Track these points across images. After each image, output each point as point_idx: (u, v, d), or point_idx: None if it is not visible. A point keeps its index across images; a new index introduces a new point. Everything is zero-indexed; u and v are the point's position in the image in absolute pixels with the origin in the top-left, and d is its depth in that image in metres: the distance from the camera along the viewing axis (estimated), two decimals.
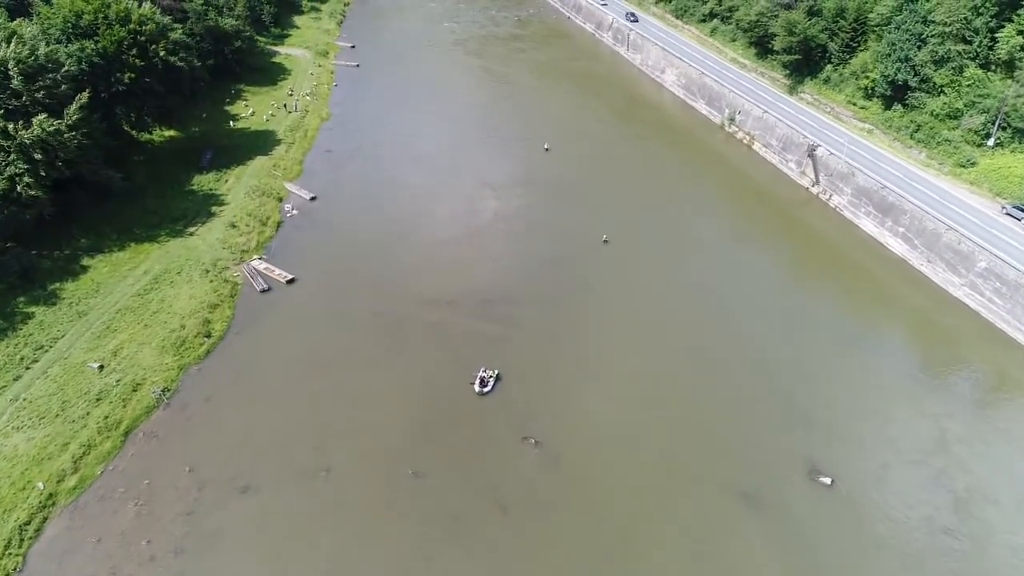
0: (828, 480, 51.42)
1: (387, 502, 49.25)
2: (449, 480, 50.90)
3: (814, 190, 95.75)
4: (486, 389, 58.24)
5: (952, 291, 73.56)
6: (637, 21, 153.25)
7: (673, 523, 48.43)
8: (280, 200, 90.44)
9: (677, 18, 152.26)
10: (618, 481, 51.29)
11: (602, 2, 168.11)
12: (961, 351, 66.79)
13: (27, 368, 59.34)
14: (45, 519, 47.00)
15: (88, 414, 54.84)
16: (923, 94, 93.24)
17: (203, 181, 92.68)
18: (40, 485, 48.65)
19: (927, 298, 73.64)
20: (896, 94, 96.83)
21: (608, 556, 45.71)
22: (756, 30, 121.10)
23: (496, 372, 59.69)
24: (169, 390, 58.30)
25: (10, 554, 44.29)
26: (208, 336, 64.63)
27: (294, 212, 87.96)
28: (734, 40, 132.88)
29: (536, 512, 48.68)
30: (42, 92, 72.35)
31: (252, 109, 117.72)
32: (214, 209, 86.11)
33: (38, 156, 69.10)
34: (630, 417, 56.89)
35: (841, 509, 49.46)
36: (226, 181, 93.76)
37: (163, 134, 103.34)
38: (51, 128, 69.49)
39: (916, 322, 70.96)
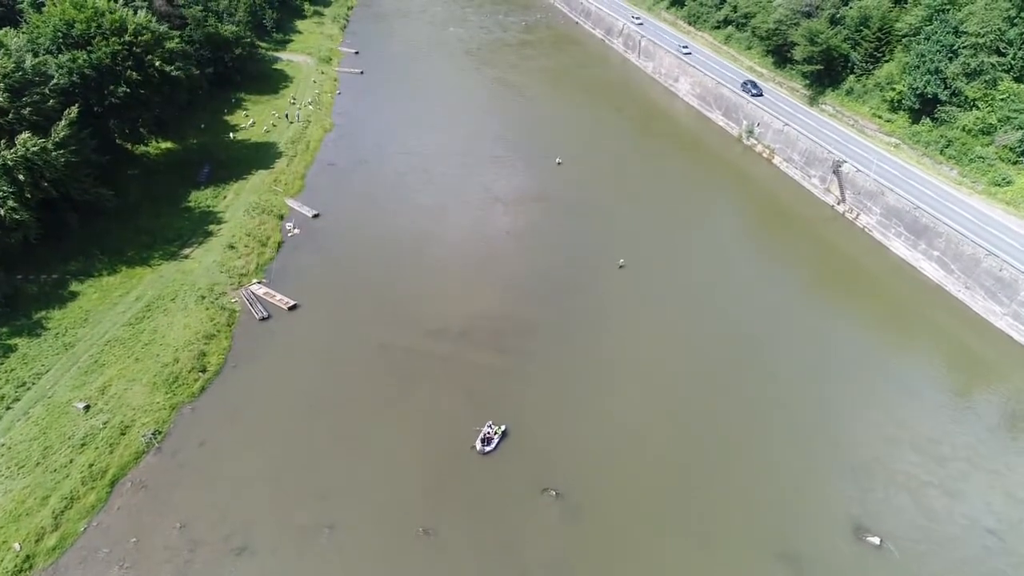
0: (877, 540, 47.14)
1: (396, 564, 45.02)
2: (463, 538, 46.68)
3: (839, 208, 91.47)
4: (488, 448, 52.86)
5: (994, 321, 69.24)
6: (642, 22, 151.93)
7: None
8: (281, 218, 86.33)
9: (690, 24, 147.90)
10: (647, 537, 47.04)
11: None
12: (1012, 385, 62.18)
13: (7, 408, 55.23)
14: None
15: (71, 461, 50.70)
16: (954, 108, 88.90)
17: (200, 198, 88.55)
18: (16, 546, 44.52)
19: (968, 328, 69.28)
20: (925, 107, 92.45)
21: None
22: (774, 38, 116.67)
23: (503, 428, 54.49)
24: (160, 432, 54.17)
25: None
26: (203, 371, 60.47)
27: (296, 231, 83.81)
28: (750, 48, 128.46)
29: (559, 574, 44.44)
30: (28, 108, 68.25)
31: (252, 119, 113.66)
32: (211, 228, 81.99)
33: (22, 177, 65.00)
34: (656, 464, 52.65)
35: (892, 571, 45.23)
36: (224, 197, 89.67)
37: (159, 146, 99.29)
38: (36, 147, 65.35)
39: (958, 355, 66.40)
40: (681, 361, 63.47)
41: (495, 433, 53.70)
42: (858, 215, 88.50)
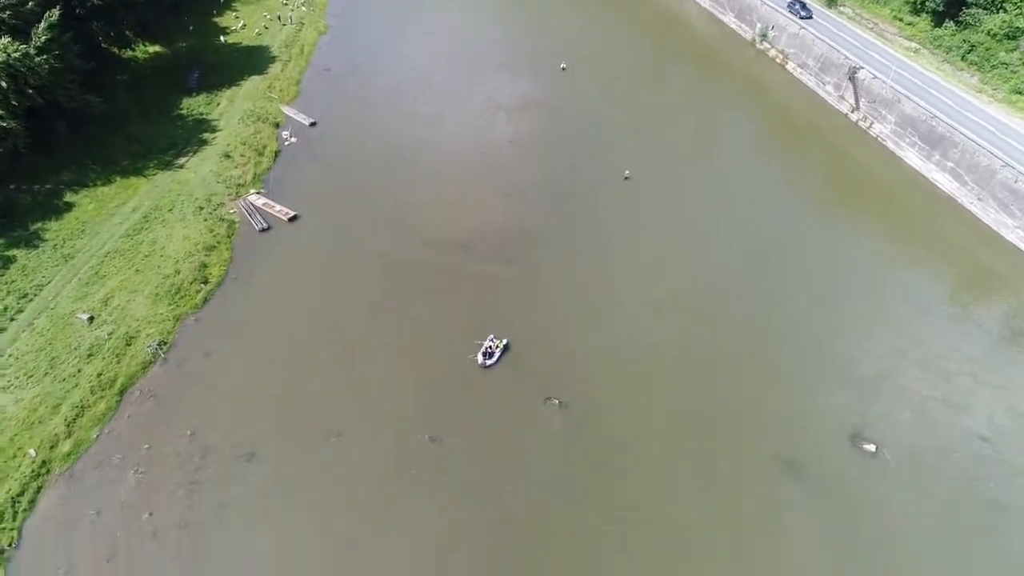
0: (872, 447, 48.15)
1: (403, 471, 46.11)
2: (468, 446, 47.62)
3: (853, 116, 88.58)
4: (490, 361, 52.78)
5: (1005, 234, 68.26)
6: None
7: (709, 488, 45.41)
8: (277, 126, 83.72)
9: None
10: (650, 444, 47.92)
11: None
12: (1021, 300, 61.95)
13: (11, 320, 55.21)
14: (39, 489, 43.95)
15: (80, 371, 51.09)
16: (980, 10, 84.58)
17: (192, 104, 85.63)
18: (32, 452, 45.46)
19: (978, 241, 68.32)
20: (949, 9, 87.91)
21: (641, 527, 42.95)
22: None
23: (505, 342, 54.24)
24: (165, 343, 54.34)
25: (4, 528, 41.48)
26: (205, 282, 60.11)
27: (292, 140, 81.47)
28: None
29: (563, 483, 45.52)
30: (8, 12, 64.76)
31: (243, 21, 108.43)
32: (205, 137, 79.65)
33: (5, 84, 62.42)
34: (660, 375, 53.08)
35: (887, 479, 46.38)
36: (217, 104, 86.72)
37: (147, 50, 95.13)
38: (18, 53, 62.44)
39: (967, 270, 65.60)
40: (687, 274, 63.03)
41: (497, 347, 53.77)
42: (872, 124, 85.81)
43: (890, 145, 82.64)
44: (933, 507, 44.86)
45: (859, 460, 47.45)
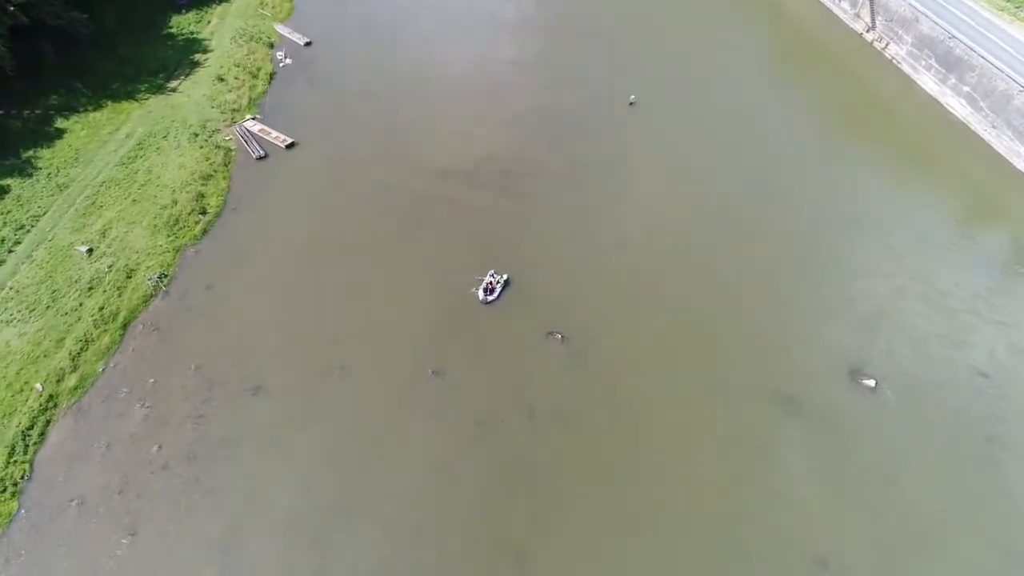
0: (872, 383, 48.08)
1: (407, 403, 46.40)
2: (472, 379, 47.69)
3: (868, 36, 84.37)
4: (491, 297, 52.06)
5: (1017, 163, 66.02)
6: None
7: (708, 426, 45.66)
8: (271, 46, 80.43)
9: None
10: (649, 379, 47.97)
11: None
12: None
13: (9, 252, 54.56)
14: (48, 423, 44.47)
15: (81, 305, 50.83)
16: None
17: (182, 23, 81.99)
18: (39, 386, 45.75)
19: (990, 170, 66.25)
20: None
21: (641, 461, 43.47)
22: None
23: (505, 277, 53.35)
24: (166, 276, 53.86)
25: (16, 462, 42.15)
26: (203, 213, 59.04)
27: (287, 61, 78.34)
28: None
29: (564, 417, 45.80)
30: None
31: None
32: (197, 58, 76.59)
33: None
34: (662, 309, 52.59)
35: (886, 413, 46.55)
36: (208, 22, 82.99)
37: None
38: None
39: (977, 200, 63.91)
40: (692, 205, 61.60)
41: (497, 283, 52.98)
42: (887, 44, 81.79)
43: (905, 68, 79.00)
44: (932, 442, 45.14)
45: (859, 395, 47.50)
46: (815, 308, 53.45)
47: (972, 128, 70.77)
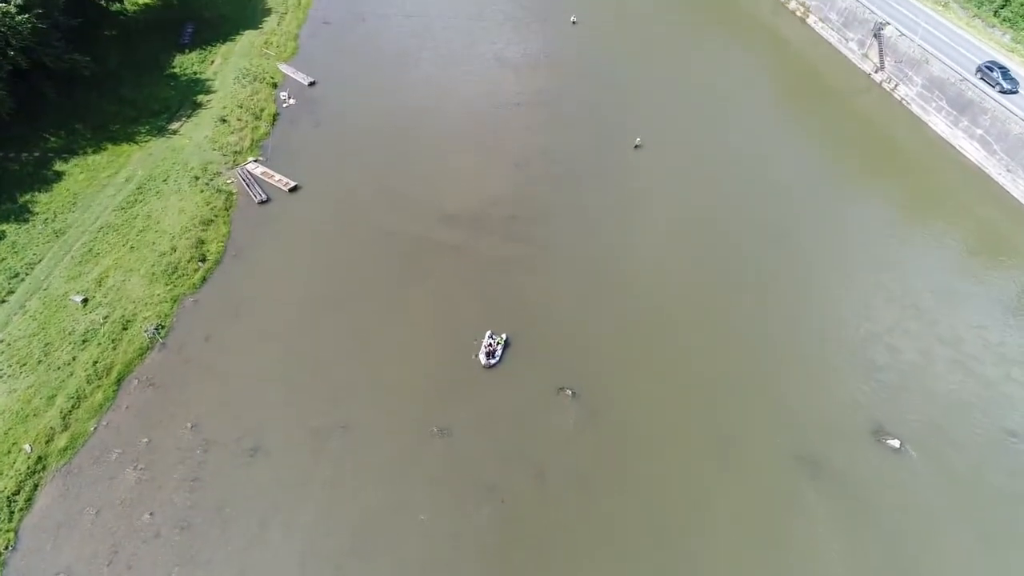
0: (896, 443, 46.08)
1: (412, 464, 44.31)
2: (478, 439, 45.69)
3: (877, 77, 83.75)
4: (493, 361, 49.87)
5: None
6: None
7: (726, 488, 43.57)
8: (275, 86, 79.61)
9: None
10: (664, 440, 45.99)
11: None
12: None
13: (2, 301, 52.89)
14: (36, 487, 42.35)
15: (75, 359, 49.02)
16: None
17: (185, 62, 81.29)
18: (27, 447, 43.73)
19: (1007, 217, 64.84)
20: None
21: (656, 527, 41.34)
22: None
23: (505, 337, 51.16)
24: (163, 327, 52.08)
25: (1, 530, 40.04)
26: (203, 260, 57.49)
27: (291, 101, 77.47)
28: None
29: (576, 479, 43.72)
30: None
31: None
32: (200, 99, 75.70)
33: None
34: (674, 361, 50.77)
35: (911, 475, 44.48)
36: (212, 62, 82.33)
37: (137, 1, 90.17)
38: None
39: (995, 246, 62.37)
40: (703, 254, 60.06)
41: (498, 344, 50.70)
42: (896, 85, 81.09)
43: (915, 109, 78.18)
44: (956, 500, 43.05)
45: (881, 454, 45.51)
46: (831, 360, 51.55)
47: (986, 171, 69.63)
